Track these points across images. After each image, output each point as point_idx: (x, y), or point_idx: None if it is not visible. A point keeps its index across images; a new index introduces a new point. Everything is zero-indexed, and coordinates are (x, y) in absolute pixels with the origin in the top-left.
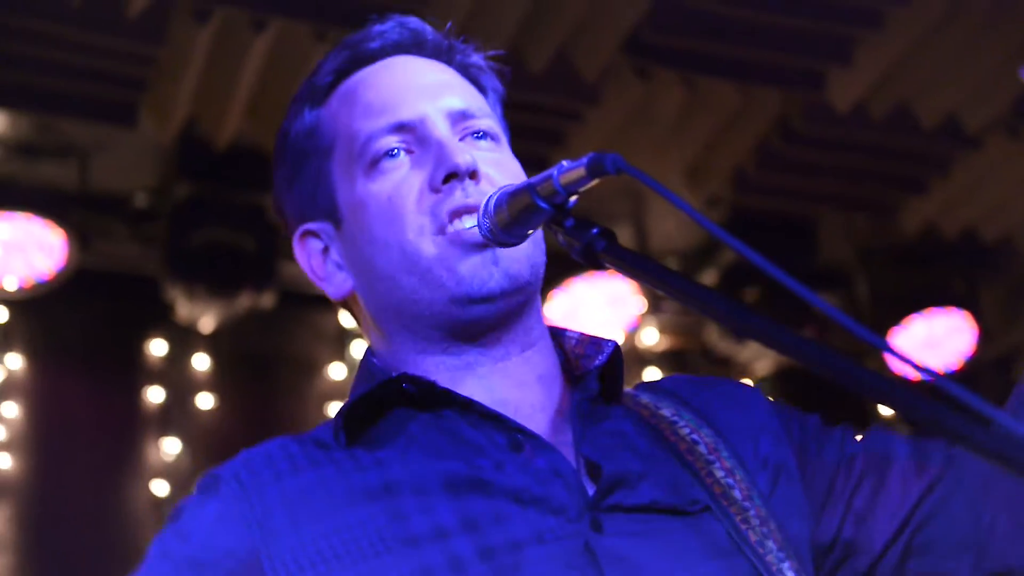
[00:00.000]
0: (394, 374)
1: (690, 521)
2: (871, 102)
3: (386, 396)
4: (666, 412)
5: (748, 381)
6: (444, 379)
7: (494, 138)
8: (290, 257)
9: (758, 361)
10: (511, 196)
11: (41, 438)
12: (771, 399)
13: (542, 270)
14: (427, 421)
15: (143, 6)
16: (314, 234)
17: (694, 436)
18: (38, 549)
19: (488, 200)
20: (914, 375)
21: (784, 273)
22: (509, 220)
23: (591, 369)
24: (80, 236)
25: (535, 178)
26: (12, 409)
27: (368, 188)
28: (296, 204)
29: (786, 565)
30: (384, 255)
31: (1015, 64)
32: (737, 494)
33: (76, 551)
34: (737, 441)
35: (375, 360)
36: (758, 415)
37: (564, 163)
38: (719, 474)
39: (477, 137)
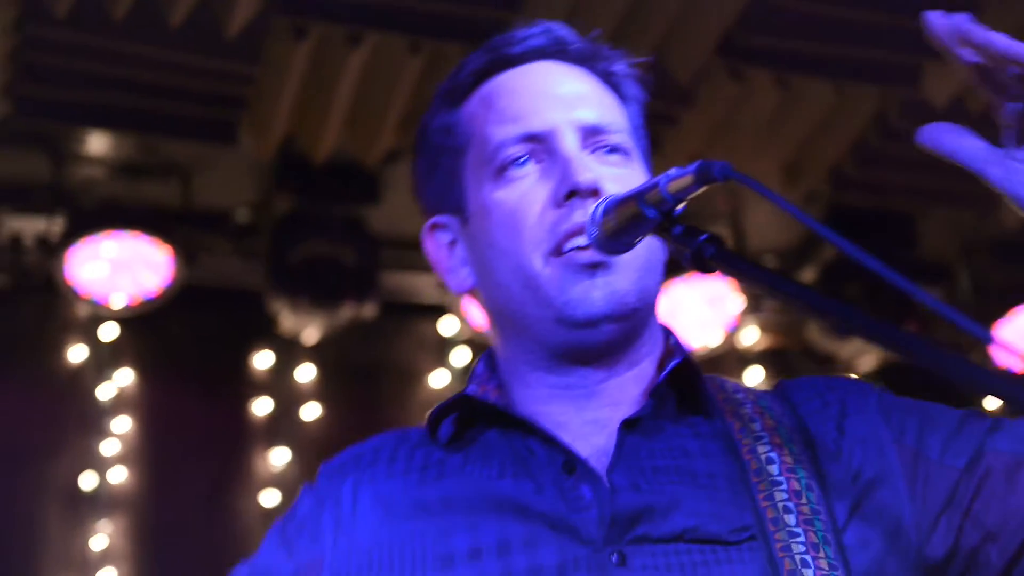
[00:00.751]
0: (490, 399)
1: (728, 552)
2: (968, 95)
3: (478, 410)
4: (756, 426)
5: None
6: (543, 398)
7: (625, 153)
8: (390, 268)
9: (861, 358)
10: (619, 204)
11: (153, 452)
12: (888, 400)
13: (654, 295)
14: (501, 436)
15: (241, 26)
16: (443, 227)
17: (772, 454)
18: (151, 561)
19: (596, 208)
20: (1021, 367)
21: (886, 267)
22: (616, 228)
23: (658, 381)
24: (185, 252)
25: (642, 186)
26: (125, 423)
27: (494, 194)
28: (431, 196)
29: None
30: (502, 263)
31: None
32: (792, 519)
33: (187, 562)
34: (826, 458)
35: (483, 367)
36: (863, 426)
37: (672, 171)
38: (780, 497)
39: (607, 152)
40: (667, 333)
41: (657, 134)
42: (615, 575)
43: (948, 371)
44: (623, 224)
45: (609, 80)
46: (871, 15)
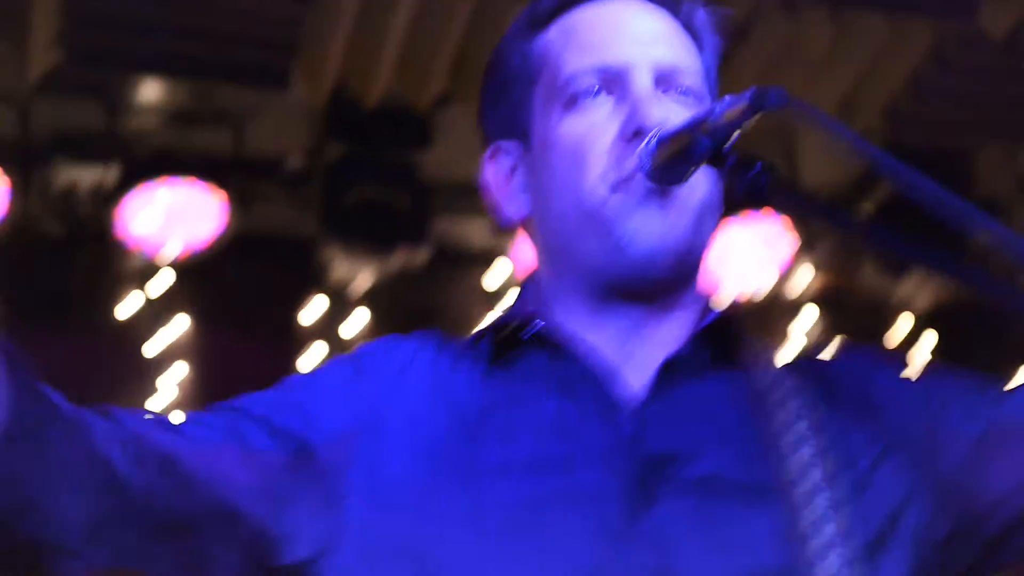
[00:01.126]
0: (539, 323)
1: (749, 501)
2: None
3: (524, 331)
4: (789, 384)
5: (908, 317)
6: (585, 325)
7: (698, 96)
8: (442, 214)
9: (916, 297)
10: (674, 135)
11: (208, 397)
12: (918, 374)
13: (708, 237)
14: (543, 360)
15: None
16: (505, 152)
17: (801, 412)
18: None
19: (650, 138)
20: None
21: (944, 195)
22: (671, 158)
23: (694, 333)
24: (238, 200)
25: (696, 115)
26: (180, 369)
27: (563, 122)
28: (495, 122)
29: (835, 551)
30: (563, 191)
31: None
32: (816, 474)
33: None
34: (852, 423)
35: (530, 288)
36: (890, 393)
37: (726, 98)
38: (805, 453)
39: (680, 92)
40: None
41: None
42: (641, 509)
43: (1007, 301)
44: (678, 154)
45: (689, 25)
46: None
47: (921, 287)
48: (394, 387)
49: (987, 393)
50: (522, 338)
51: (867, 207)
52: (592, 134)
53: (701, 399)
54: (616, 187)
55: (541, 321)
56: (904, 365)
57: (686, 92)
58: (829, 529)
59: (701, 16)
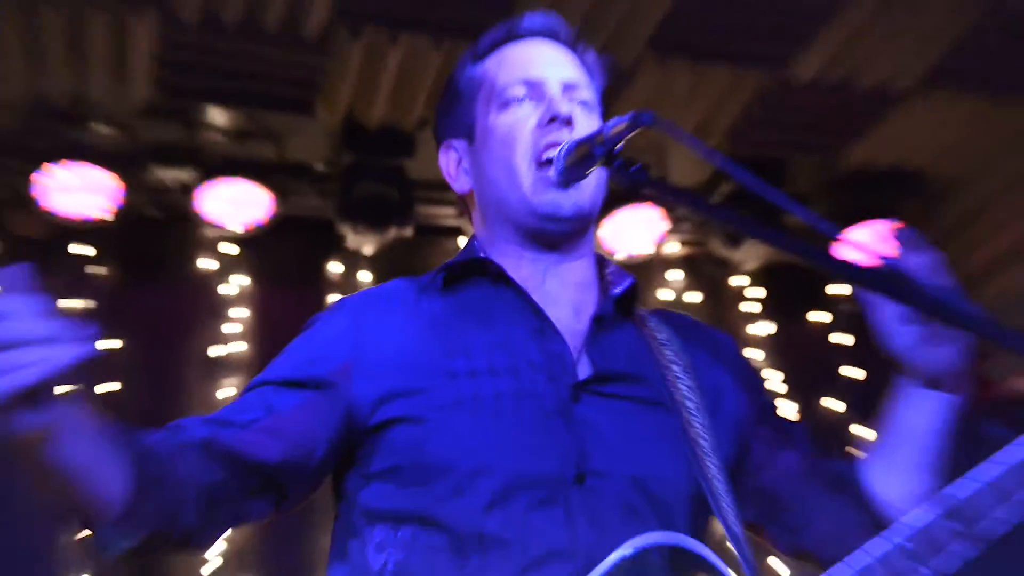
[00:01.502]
0: (482, 255)
1: (652, 410)
2: (824, 76)
3: (474, 266)
4: (661, 336)
5: (743, 277)
6: (514, 265)
7: (589, 107)
8: (422, 202)
9: (747, 262)
10: (577, 145)
11: (261, 331)
12: (753, 374)
13: (597, 208)
14: (493, 293)
15: (316, 30)
16: (454, 147)
17: (674, 359)
18: None
19: (561, 149)
20: (862, 259)
21: (768, 190)
22: (575, 162)
23: (613, 295)
24: (280, 193)
25: (591, 132)
26: (244, 312)
27: (497, 119)
28: (447, 126)
29: (711, 460)
30: (497, 168)
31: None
32: (690, 405)
33: None
34: (704, 375)
35: (476, 242)
36: (735, 379)
37: (612, 119)
38: (683, 388)
39: (579, 103)
40: (606, 261)
41: (604, 107)
42: (570, 406)
43: (813, 261)
44: (580, 159)
45: (583, 61)
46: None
47: (752, 253)
48: (373, 320)
49: (770, 402)
50: (473, 266)
51: (715, 197)
52: (519, 124)
53: (616, 342)
54: (536, 162)
55: (483, 254)
56: (739, 346)
57: (583, 103)
58: (706, 442)
59: (592, 57)
